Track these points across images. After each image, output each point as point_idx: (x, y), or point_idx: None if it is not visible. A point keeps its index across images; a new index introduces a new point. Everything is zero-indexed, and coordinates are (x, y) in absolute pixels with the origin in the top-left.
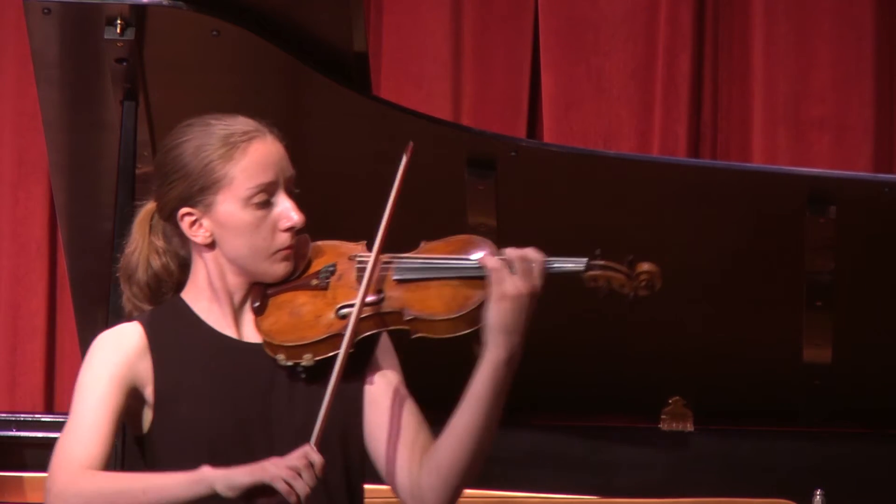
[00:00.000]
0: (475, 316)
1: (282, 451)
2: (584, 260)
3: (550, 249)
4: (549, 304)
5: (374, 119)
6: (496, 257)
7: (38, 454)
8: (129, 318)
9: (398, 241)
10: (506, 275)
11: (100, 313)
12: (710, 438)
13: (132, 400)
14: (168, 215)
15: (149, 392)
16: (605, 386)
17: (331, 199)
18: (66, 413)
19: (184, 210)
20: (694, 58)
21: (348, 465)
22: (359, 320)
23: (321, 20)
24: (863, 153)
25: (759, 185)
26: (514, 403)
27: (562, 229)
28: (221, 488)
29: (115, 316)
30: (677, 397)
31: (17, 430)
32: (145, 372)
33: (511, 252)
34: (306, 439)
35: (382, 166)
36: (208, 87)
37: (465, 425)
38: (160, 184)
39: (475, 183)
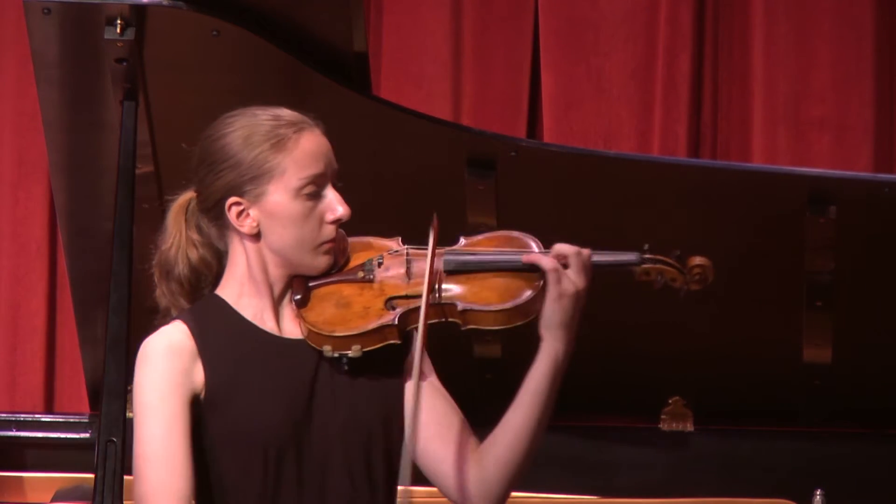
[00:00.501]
0: (529, 308)
1: (328, 447)
2: (637, 254)
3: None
4: None
5: (374, 119)
6: (551, 255)
7: (38, 454)
8: (163, 317)
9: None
10: (563, 273)
11: (100, 313)
12: (710, 438)
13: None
14: (212, 205)
15: (202, 394)
16: (605, 386)
17: None
18: (66, 413)
19: (232, 199)
20: (694, 58)
21: (389, 450)
22: (412, 311)
23: (321, 20)
24: (863, 153)
25: (759, 185)
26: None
27: (562, 229)
28: None
29: (115, 315)
30: (677, 397)
31: (17, 430)
32: (199, 375)
33: (565, 248)
34: (350, 434)
35: (382, 166)
36: (208, 87)
37: (525, 420)
38: (206, 173)
39: (475, 183)
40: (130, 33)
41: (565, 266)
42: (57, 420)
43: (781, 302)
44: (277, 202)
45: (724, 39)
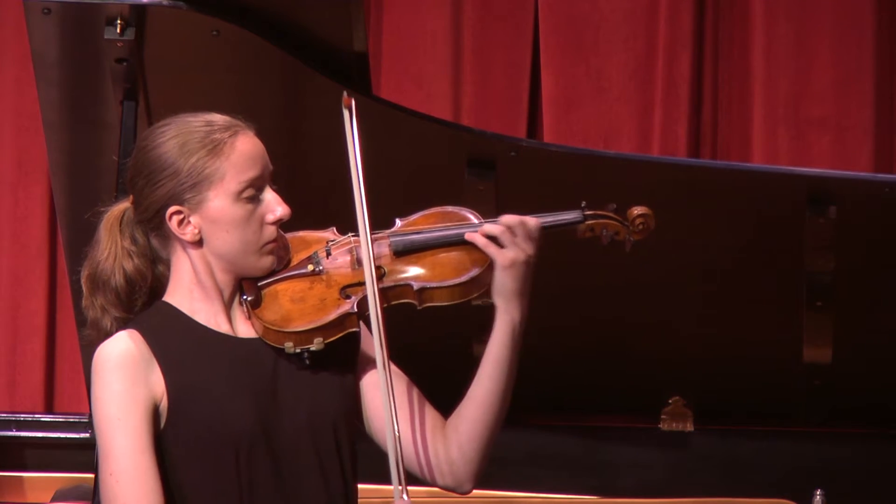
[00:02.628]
0: (484, 278)
1: (297, 442)
2: (579, 212)
3: (551, 249)
4: (549, 304)
5: (374, 119)
6: (494, 225)
7: (38, 454)
8: (92, 329)
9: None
10: (508, 242)
11: None
12: (710, 438)
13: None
14: (152, 215)
15: (163, 401)
16: (605, 386)
17: (330, 198)
18: (66, 413)
19: (172, 208)
20: (694, 58)
21: (340, 451)
22: (367, 296)
23: (321, 20)
24: (863, 153)
25: (759, 185)
26: (514, 403)
27: None
28: None
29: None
30: (677, 397)
31: (17, 430)
32: (157, 383)
33: (509, 219)
34: (317, 427)
35: (382, 166)
36: (208, 87)
37: (489, 391)
38: (144, 184)
39: (475, 183)
40: (130, 33)
41: (513, 234)
42: (57, 420)
43: (781, 302)
44: (218, 207)
45: (724, 39)
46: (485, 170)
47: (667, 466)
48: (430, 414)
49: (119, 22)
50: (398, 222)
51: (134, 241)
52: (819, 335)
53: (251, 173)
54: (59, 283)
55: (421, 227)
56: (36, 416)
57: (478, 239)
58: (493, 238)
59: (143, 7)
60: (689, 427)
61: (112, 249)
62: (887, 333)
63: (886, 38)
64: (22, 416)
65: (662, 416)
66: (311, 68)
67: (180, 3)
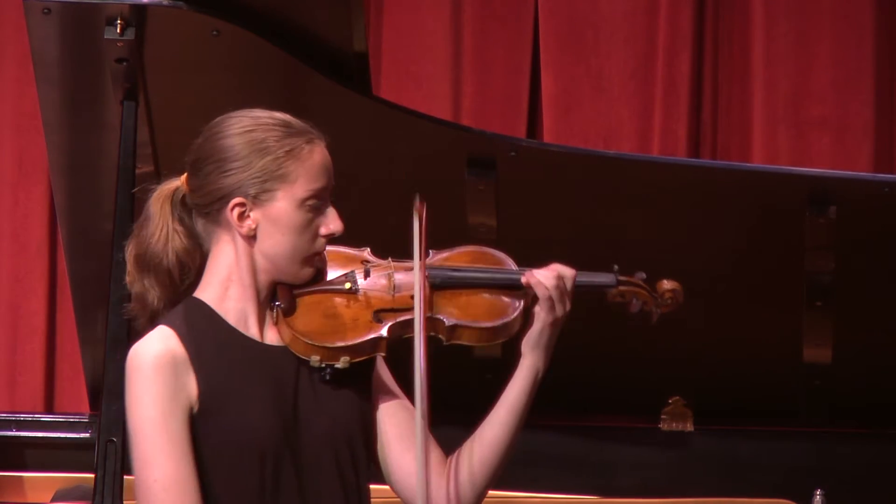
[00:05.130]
0: (514, 326)
1: (318, 454)
2: (612, 276)
3: (551, 249)
4: None
5: (374, 119)
6: (550, 278)
7: (38, 454)
8: (136, 303)
9: (399, 242)
10: (557, 298)
11: (100, 313)
12: (710, 438)
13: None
14: (212, 201)
15: (195, 406)
16: (605, 386)
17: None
18: (66, 413)
19: (236, 199)
20: (694, 58)
21: (358, 465)
22: (400, 324)
23: (321, 20)
24: (863, 153)
25: (759, 185)
26: None
27: (562, 229)
28: None
29: (115, 315)
30: (677, 397)
31: (17, 430)
32: (192, 386)
33: (550, 274)
34: (336, 438)
35: (382, 166)
36: (208, 87)
37: (502, 435)
38: (211, 170)
39: (475, 183)
40: (130, 33)
41: (562, 291)
42: (57, 420)
43: (781, 302)
44: (282, 209)
45: (724, 39)
46: (485, 170)
47: (667, 466)
48: (433, 447)
49: (119, 22)
50: (431, 254)
51: (181, 221)
52: (819, 335)
53: (320, 183)
54: (59, 283)
55: (457, 263)
56: (36, 416)
57: (541, 289)
58: (547, 297)
59: (143, 7)
60: (689, 427)
61: (164, 230)
62: (887, 333)
63: (886, 38)
64: (22, 416)
65: (662, 416)
66: (310, 68)
67: (180, 3)
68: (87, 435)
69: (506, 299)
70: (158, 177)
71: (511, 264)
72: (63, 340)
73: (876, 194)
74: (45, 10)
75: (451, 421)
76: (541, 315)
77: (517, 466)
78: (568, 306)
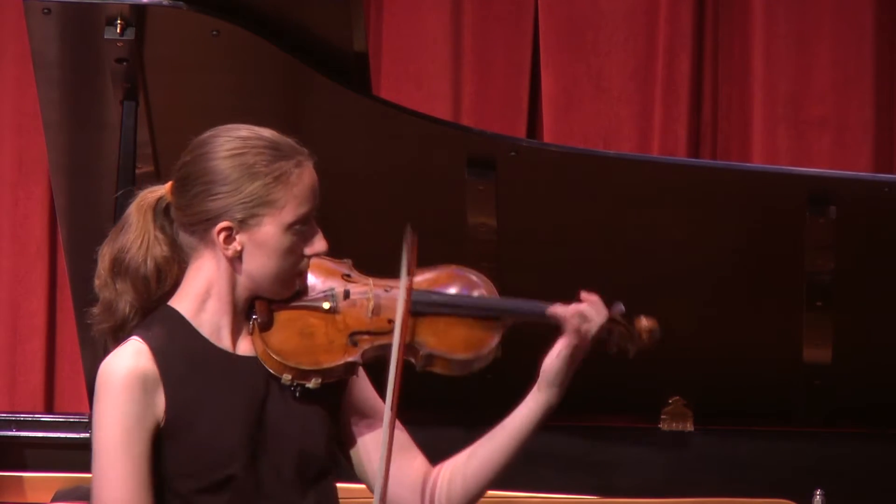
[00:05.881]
0: (489, 357)
1: (286, 464)
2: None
3: (551, 249)
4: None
5: (374, 119)
6: (582, 310)
7: (38, 454)
8: (104, 310)
9: (399, 242)
10: (585, 330)
11: None
12: (710, 438)
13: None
14: (197, 222)
15: (161, 422)
16: (605, 386)
17: (330, 198)
18: (66, 413)
19: (223, 223)
20: (694, 58)
21: (326, 479)
22: (375, 348)
23: (321, 20)
24: (863, 153)
25: (759, 185)
26: (514, 403)
27: (562, 229)
28: None
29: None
30: (677, 397)
31: (17, 430)
32: (160, 404)
33: (588, 310)
34: (305, 452)
35: (382, 166)
36: (208, 87)
37: (500, 458)
38: (198, 192)
39: (475, 183)
40: (130, 33)
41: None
42: (57, 420)
43: (781, 302)
44: (269, 233)
45: (724, 39)
46: (485, 170)
47: (667, 466)
48: (418, 456)
49: (119, 22)
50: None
51: (163, 229)
52: (819, 335)
53: (307, 207)
54: (59, 283)
55: (439, 286)
56: (36, 416)
57: (570, 321)
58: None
59: (143, 7)
60: (689, 427)
61: (144, 237)
62: (887, 333)
63: (886, 38)
64: (22, 416)
65: (662, 416)
66: (310, 68)
67: (180, 3)
68: (87, 435)
69: (484, 331)
70: (158, 177)
71: (488, 291)
72: (63, 340)
73: (876, 194)
74: (45, 10)
75: (451, 421)
76: (566, 350)
77: (517, 466)
78: (589, 345)
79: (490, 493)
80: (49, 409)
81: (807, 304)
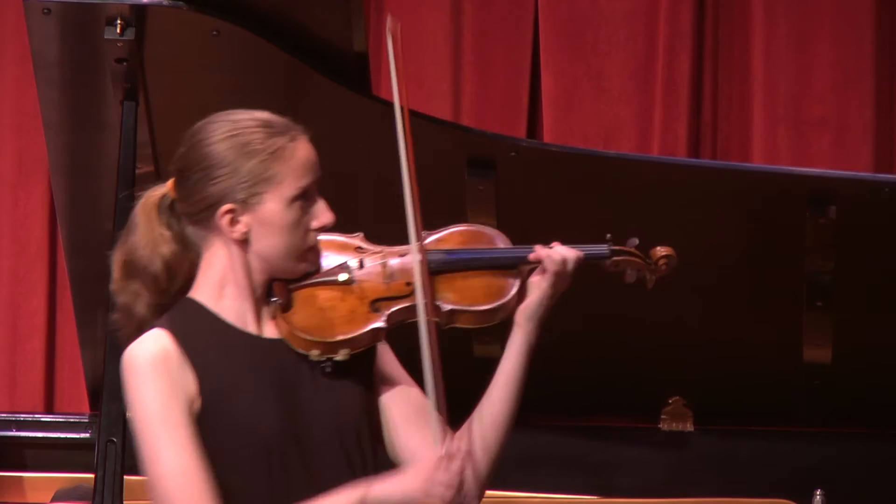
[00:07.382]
0: (511, 305)
1: (325, 444)
2: (606, 247)
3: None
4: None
5: (374, 119)
6: (554, 256)
7: (38, 454)
8: (122, 314)
9: (397, 242)
10: (563, 274)
11: (100, 313)
12: (710, 438)
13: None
14: (201, 209)
15: (196, 403)
16: (605, 386)
17: (330, 199)
18: (66, 413)
19: (226, 206)
20: (694, 58)
21: (365, 452)
22: (398, 311)
23: (321, 20)
24: (863, 153)
25: (759, 185)
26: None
27: (562, 229)
28: None
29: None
30: (677, 397)
31: (17, 430)
32: (190, 384)
33: (558, 249)
34: (342, 426)
35: (383, 166)
36: (208, 87)
37: (504, 411)
38: (198, 178)
39: (475, 183)
40: (130, 33)
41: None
42: (57, 420)
43: (781, 302)
44: (272, 210)
45: (724, 39)
46: (485, 170)
47: (667, 466)
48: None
49: (119, 22)
50: (424, 235)
51: (169, 227)
52: (819, 335)
53: (307, 180)
54: (59, 283)
55: (451, 244)
56: (36, 416)
57: (550, 262)
58: (559, 271)
59: (143, 7)
60: (689, 427)
61: (150, 237)
62: (887, 333)
63: (886, 38)
64: (22, 416)
65: (662, 416)
66: (310, 68)
67: (180, 3)
68: (87, 435)
69: (502, 279)
70: (158, 177)
71: (504, 242)
72: (63, 340)
73: (876, 194)
74: (45, 10)
75: (450, 421)
76: (542, 287)
77: (517, 466)
78: (568, 282)
79: (490, 493)
80: (49, 409)
81: (807, 304)
